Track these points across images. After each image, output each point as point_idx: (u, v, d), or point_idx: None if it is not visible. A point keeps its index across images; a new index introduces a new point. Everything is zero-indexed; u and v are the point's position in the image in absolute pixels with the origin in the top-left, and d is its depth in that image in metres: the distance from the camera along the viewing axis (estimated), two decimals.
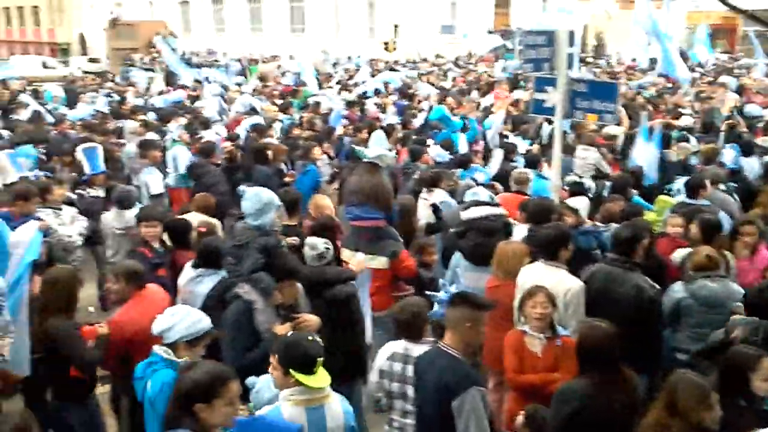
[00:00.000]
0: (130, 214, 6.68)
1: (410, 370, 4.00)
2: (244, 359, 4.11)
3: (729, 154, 8.68)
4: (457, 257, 5.80)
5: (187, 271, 5.27)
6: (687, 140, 9.77)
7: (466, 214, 5.76)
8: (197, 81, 18.49)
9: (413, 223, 6.75)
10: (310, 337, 3.43)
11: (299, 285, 4.51)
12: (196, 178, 8.24)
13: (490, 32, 37.39)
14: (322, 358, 3.33)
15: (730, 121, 11.02)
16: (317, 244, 4.99)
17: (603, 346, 3.69)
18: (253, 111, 13.06)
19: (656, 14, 13.20)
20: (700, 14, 41.81)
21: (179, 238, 5.95)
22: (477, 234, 5.62)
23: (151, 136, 10.06)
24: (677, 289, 4.97)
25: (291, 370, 3.30)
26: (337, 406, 3.44)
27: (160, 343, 3.77)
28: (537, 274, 4.87)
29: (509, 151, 9.28)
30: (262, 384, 3.65)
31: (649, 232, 5.46)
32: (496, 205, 5.93)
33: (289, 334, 4.02)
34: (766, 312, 4.13)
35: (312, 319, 4.40)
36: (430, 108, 12.75)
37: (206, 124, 11.56)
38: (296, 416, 3.29)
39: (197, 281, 5.13)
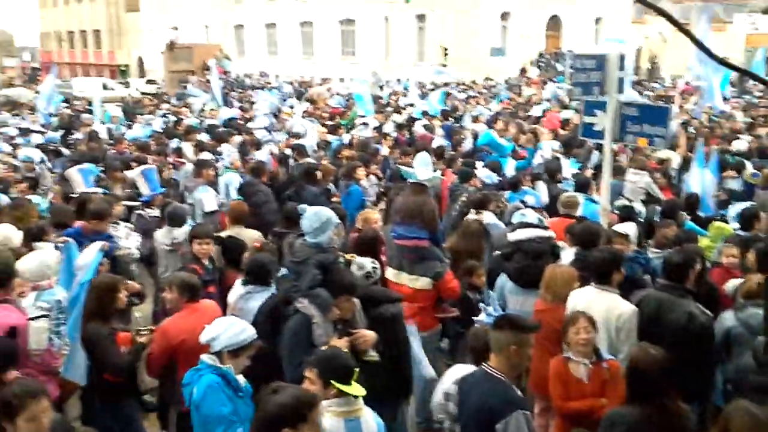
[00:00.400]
0: (180, 232, 6.86)
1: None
2: (299, 372, 4.13)
3: None
4: (503, 279, 5.78)
5: (237, 288, 5.39)
6: (743, 165, 9.55)
7: (514, 236, 5.74)
8: (249, 102, 18.90)
9: (481, 245, 6.74)
10: (346, 350, 3.55)
11: (356, 301, 4.56)
12: (246, 197, 8.40)
13: (540, 55, 37.34)
14: (358, 369, 3.41)
15: None
16: (365, 263, 5.06)
17: (654, 373, 3.61)
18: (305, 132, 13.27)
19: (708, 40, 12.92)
20: (760, 37, 40.96)
21: (232, 256, 6.08)
22: (523, 256, 5.59)
23: (205, 155, 10.34)
24: (728, 317, 4.84)
25: (333, 381, 3.40)
26: (371, 419, 3.56)
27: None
28: (588, 297, 4.83)
29: (553, 172, 9.19)
30: None
31: (702, 259, 5.34)
32: (545, 227, 5.89)
33: (343, 348, 4.14)
34: None
35: (369, 335, 4.43)
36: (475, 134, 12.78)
37: (258, 144, 11.83)
38: (335, 427, 3.39)
39: (247, 297, 5.25)
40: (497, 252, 6.34)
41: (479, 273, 6.13)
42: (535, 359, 4.33)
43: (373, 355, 4.37)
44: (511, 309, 5.54)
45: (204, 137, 12.67)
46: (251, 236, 6.60)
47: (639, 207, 7.86)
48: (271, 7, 46.58)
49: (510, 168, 10.12)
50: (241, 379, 3.94)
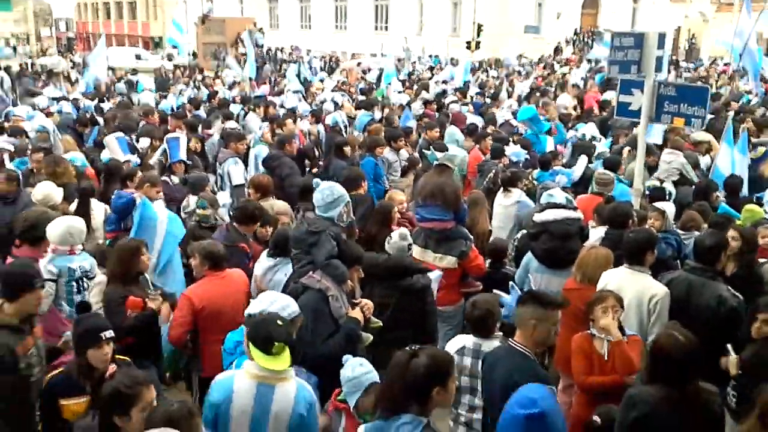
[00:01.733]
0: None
1: (481, 365, 4.01)
2: (328, 346, 4.20)
3: None
4: (528, 258, 5.74)
5: (263, 261, 5.43)
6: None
7: (541, 217, 5.69)
8: (281, 76, 18.93)
9: (482, 217, 6.83)
10: (280, 321, 3.49)
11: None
12: (270, 170, 8.43)
13: (576, 33, 36.68)
14: (282, 343, 3.37)
15: None
16: (407, 233, 5.17)
17: (679, 356, 3.51)
18: (336, 106, 13.26)
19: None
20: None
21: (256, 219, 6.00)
22: (551, 237, 5.54)
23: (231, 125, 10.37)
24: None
25: (251, 346, 3.41)
26: (290, 391, 3.43)
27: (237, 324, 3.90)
28: (620, 278, 4.78)
29: (589, 153, 9.08)
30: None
31: (745, 239, 5.26)
32: (574, 208, 5.82)
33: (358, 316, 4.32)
34: None
35: (369, 303, 4.57)
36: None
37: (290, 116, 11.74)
38: (246, 388, 3.38)
39: (275, 269, 5.30)
40: (524, 231, 6.30)
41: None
42: (560, 337, 4.33)
43: (377, 322, 4.57)
44: (535, 288, 5.51)
45: (236, 108, 12.72)
46: (280, 208, 6.62)
47: (670, 187, 7.72)
48: None
49: (550, 145, 10.03)
50: None
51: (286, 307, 3.79)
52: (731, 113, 11.28)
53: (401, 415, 2.88)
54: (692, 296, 4.69)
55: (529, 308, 3.59)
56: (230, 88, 17.70)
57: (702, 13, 36.51)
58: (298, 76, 20.08)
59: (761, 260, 5.45)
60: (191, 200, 6.90)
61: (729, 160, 8.41)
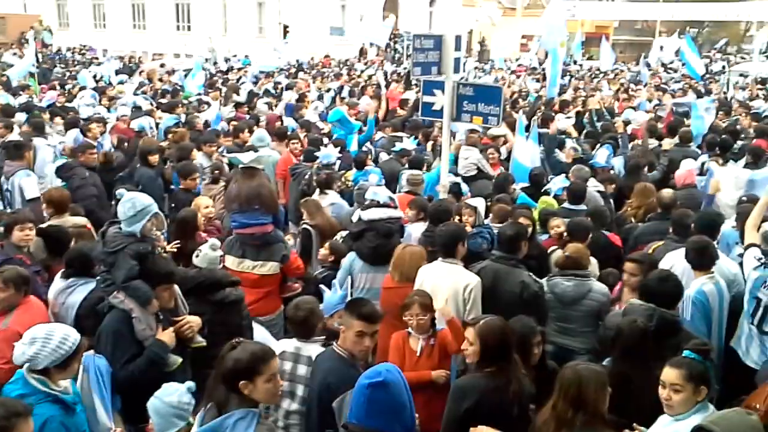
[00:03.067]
0: None
1: (301, 369, 4.05)
2: (126, 370, 3.96)
3: (603, 154, 9.20)
4: (351, 258, 5.79)
5: (57, 282, 4.94)
6: (564, 142, 10.30)
7: (366, 215, 5.76)
8: (72, 79, 17.46)
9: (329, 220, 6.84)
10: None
11: (176, 288, 4.43)
12: (64, 180, 7.79)
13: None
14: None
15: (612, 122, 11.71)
16: (217, 244, 4.98)
17: (502, 340, 3.77)
18: (137, 110, 12.52)
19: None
20: (575, 23, 44.40)
21: (56, 247, 5.54)
22: (376, 235, 5.63)
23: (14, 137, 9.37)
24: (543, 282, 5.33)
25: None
26: None
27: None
28: (436, 272, 4.98)
29: (403, 154, 9.40)
30: None
31: (533, 225, 5.91)
32: (396, 206, 5.96)
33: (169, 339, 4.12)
34: (662, 300, 4.38)
35: (193, 321, 4.38)
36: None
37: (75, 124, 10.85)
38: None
39: (68, 291, 4.83)
40: (344, 232, 6.37)
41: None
42: (381, 335, 4.40)
43: (200, 341, 4.35)
44: (360, 287, 5.61)
45: (21, 117, 11.52)
46: (78, 224, 6.10)
47: (463, 186, 8.16)
48: None
49: (355, 145, 10.21)
50: (67, 384, 3.59)
51: (64, 340, 3.47)
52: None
53: (232, 413, 2.88)
54: (498, 283, 5.04)
55: (353, 319, 3.74)
56: (15, 94, 15.97)
57: (490, 17, 39.37)
58: (94, 77, 18.76)
59: (551, 248, 6.01)
60: None
61: (524, 151, 9.18)
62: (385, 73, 21.00)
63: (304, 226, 6.74)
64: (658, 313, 4.28)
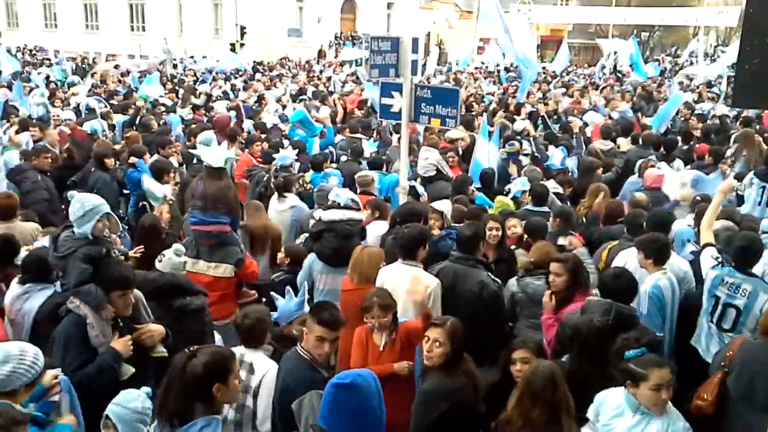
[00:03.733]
0: None
1: (241, 374, 3.98)
2: (76, 376, 3.84)
3: (558, 156, 9.36)
4: (311, 259, 5.78)
5: (13, 288, 4.79)
6: (521, 143, 10.44)
7: (327, 215, 5.75)
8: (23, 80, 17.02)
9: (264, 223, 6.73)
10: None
11: (136, 294, 4.28)
12: (15, 183, 7.60)
13: (336, 37, 37.91)
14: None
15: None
16: (182, 249, 4.89)
17: (464, 340, 3.85)
18: (90, 112, 12.26)
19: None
20: (531, 26, 44.99)
21: (5, 253, 5.35)
22: (335, 236, 5.63)
23: None
24: (512, 284, 5.45)
25: None
26: None
27: None
28: (395, 273, 4.99)
29: (357, 153, 9.42)
30: None
31: (502, 227, 5.95)
32: (358, 208, 5.96)
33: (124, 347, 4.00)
34: (618, 296, 4.49)
35: (155, 329, 4.24)
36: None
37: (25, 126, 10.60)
38: None
39: (25, 298, 4.69)
40: (305, 235, 6.35)
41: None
42: (342, 336, 4.41)
43: (162, 351, 4.20)
44: (320, 288, 5.60)
45: None
46: (29, 230, 5.94)
47: (420, 188, 8.21)
48: None
49: (315, 147, 10.19)
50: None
51: (36, 359, 3.32)
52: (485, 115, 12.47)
53: (195, 422, 2.82)
54: (457, 283, 5.07)
55: (314, 325, 3.74)
56: None
57: (447, 20, 39.68)
58: (47, 78, 18.34)
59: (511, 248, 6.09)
60: None
61: (485, 152, 9.28)
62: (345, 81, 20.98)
63: None
64: (615, 307, 4.37)
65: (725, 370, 4.27)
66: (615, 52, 26.27)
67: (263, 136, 10.45)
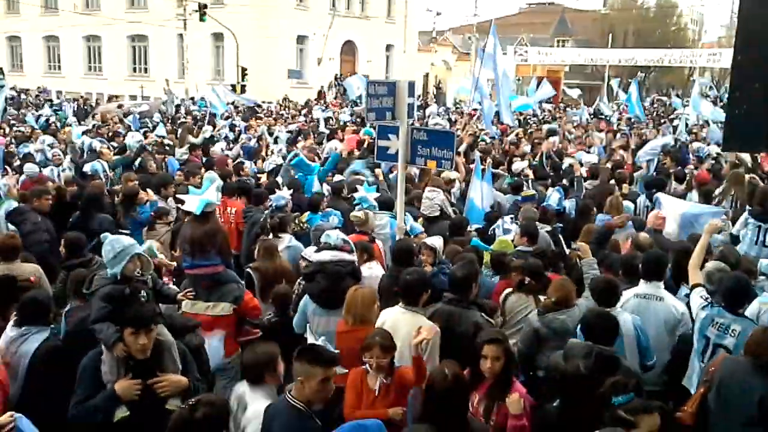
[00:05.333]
0: None
1: (239, 411, 4.07)
2: (76, 409, 3.91)
3: (555, 196, 9.43)
4: (305, 301, 5.77)
5: (9, 330, 4.79)
6: (522, 185, 10.58)
7: (317, 257, 5.78)
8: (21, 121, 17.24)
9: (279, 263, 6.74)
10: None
11: (166, 339, 4.21)
12: (16, 225, 7.64)
13: (336, 79, 38.46)
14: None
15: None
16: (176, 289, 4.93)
17: (444, 392, 3.72)
18: (92, 153, 12.39)
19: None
20: (527, 67, 45.85)
21: (4, 296, 5.35)
22: (325, 277, 5.65)
23: None
24: (533, 320, 5.35)
25: None
26: None
27: None
28: (395, 317, 4.97)
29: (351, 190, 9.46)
30: None
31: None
32: (350, 250, 5.94)
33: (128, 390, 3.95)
34: (599, 337, 4.47)
35: (173, 380, 4.08)
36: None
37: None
38: None
39: (21, 340, 4.68)
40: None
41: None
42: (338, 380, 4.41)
43: (174, 404, 4.00)
44: (315, 330, 5.57)
45: None
46: (29, 272, 5.97)
47: (418, 227, 8.22)
48: (52, 19, 43.09)
49: (316, 186, 10.26)
50: None
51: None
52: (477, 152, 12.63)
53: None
54: (452, 325, 5.04)
55: (309, 366, 3.68)
56: None
57: (445, 61, 40.36)
58: (46, 121, 18.56)
59: (506, 290, 6.05)
60: None
61: (479, 191, 9.36)
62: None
63: (247, 269, 6.71)
64: (596, 350, 4.31)
65: (707, 385, 4.44)
66: (616, 94, 26.75)
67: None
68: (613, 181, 10.89)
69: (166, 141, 14.90)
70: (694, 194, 10.15)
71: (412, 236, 7.58)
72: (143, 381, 4.00)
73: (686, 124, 18.90)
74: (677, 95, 27.09)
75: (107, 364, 4.01)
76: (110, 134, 16.27)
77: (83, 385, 3.97)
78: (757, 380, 4.19)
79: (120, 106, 24.60)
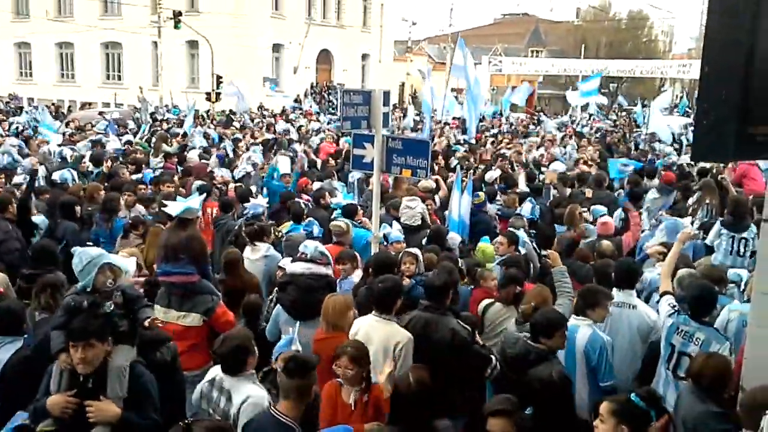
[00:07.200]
0: None
1: (223, 403, 4.12)
2: (29, 409, 3.92)
3: (527, 206, 9.54)
4: (277, 310, 5.76)
5: None
6: (495, 193, 10.68)
7: (291, 268, 5.76)
8: None
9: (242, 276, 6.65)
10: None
11: (115, 363, 4.01)
12: None
13: (312, 87, 38.47)
14: None
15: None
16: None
17: (411, 395, 3.74)
18: (63, 161, 12.24)
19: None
20: (502, 77, 46.29)
21: None
22: (296, 289, 5.62)
23: None
24: (512, 329, 5.30)
25: None
26: None
27: None
28: (368, 326, 4.98)
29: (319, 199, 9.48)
30: None
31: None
32: (326, 263, 5.90)
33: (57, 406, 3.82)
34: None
35: (102, 409, 3.82)
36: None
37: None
38: None
39: None
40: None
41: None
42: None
43: (48, 425, 3.84)
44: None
45: None
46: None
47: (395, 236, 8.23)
48: (23, 25, 42.52)
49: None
50: None
51: None
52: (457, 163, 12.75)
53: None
54: (429, 332, 5.05)
55: (296, 380, 3.73)
56: None
57: (420, 71, 40.51)
58: (17, 129, 18.30)
59: (485, 300, 6.08)
60: None
61: (457, 204, 9.41)
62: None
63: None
64: (521, 341, 4.59)
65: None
66: (587, 104, 27.13)
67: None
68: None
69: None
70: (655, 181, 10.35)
71: (388, 245, 7.59)
72: (81, 400, 3.81)
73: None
74: (644, 105, 27.45)
75: (53, 374, 3.97)
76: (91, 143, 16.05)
77: (41, 389, 3.99)
78: (698, 405, 4.09)
79: (101, 113, 24.32)
